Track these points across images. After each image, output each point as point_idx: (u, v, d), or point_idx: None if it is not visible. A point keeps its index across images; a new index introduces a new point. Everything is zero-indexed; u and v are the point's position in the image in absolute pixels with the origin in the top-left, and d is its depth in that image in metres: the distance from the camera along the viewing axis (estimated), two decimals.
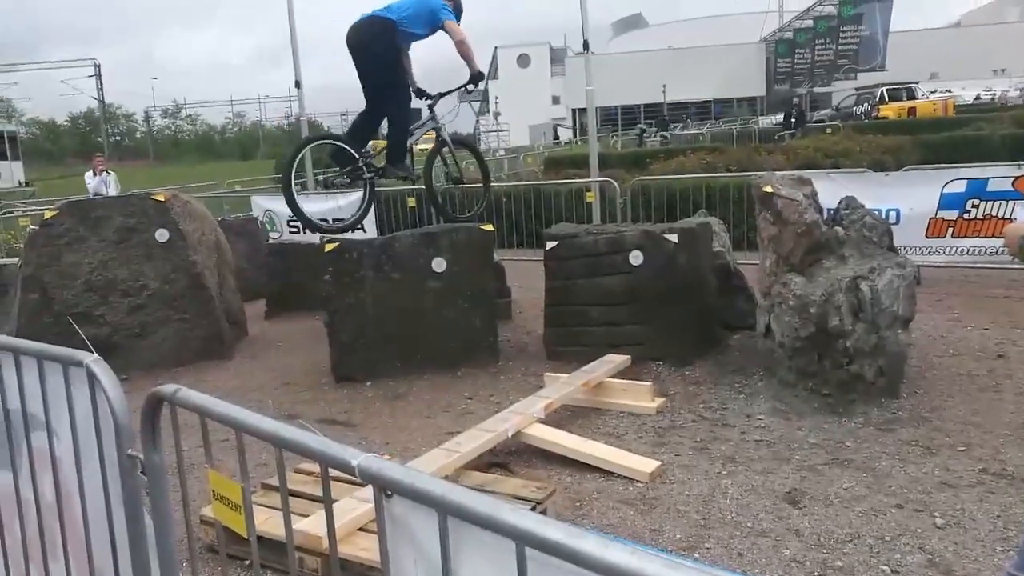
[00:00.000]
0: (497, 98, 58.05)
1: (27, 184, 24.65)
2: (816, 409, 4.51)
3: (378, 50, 5.68)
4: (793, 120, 22.11)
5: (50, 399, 2.07)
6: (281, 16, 11.80)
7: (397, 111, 6.07)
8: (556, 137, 50.17)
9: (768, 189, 4.71)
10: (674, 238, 5.44)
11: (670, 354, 5.50)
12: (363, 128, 6.23)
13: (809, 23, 45.99)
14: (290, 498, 2.42)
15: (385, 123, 6.31)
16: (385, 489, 1.12)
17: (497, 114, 55.29)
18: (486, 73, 6.24)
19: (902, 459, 3.84)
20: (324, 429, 4.91)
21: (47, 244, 6.48)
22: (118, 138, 73.41)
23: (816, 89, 47.30)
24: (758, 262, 7.44)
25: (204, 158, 63.30)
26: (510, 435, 4.03)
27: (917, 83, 31.38)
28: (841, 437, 4.18)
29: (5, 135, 24.67)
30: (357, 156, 6.07)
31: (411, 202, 11.12)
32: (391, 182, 8.93)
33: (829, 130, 21.05)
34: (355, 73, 5.88)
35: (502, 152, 32.63)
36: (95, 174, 13.40)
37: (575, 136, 47.06)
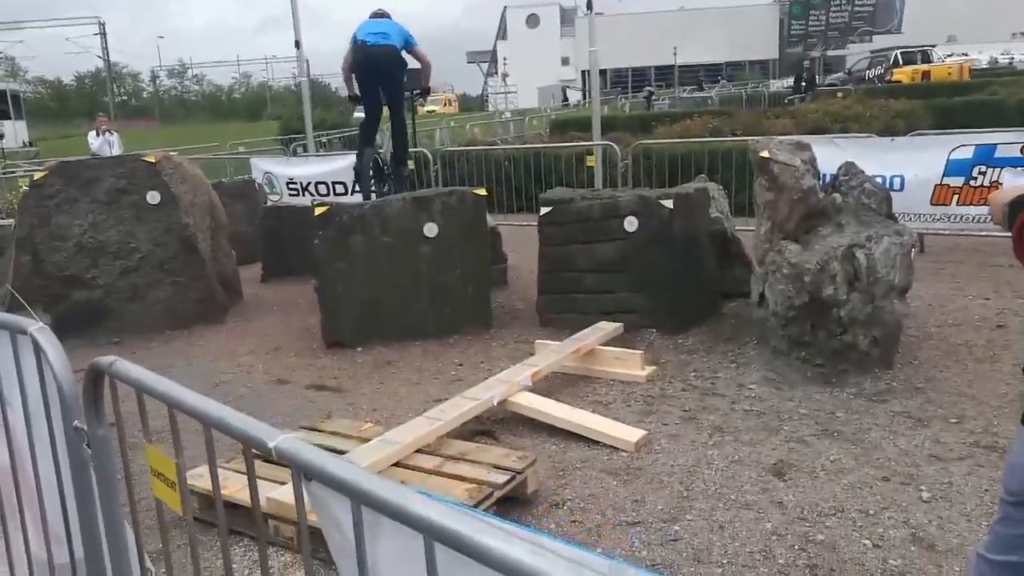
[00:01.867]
0: (505, 59, 57.34)
1: (31, 144, 24.54)
2: (808, 379, 4.45)
3: (397, 75, 6.84)
4: (804, 84, 21.70)
5: (1, 368, 2.02)
6: None
7: (402, 119, 7.39)
8: (565, 99, 49.60)
9: (764, 154, 4.59)
10: (670, 204, 5.33)
11: (663, 322, 5.42)
12: (374, 135, 7.36)
13: None
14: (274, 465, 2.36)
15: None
16: (303, 472, 1.06)
17: (505, 75, 54.64)
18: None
19: (892, 431, 3.78)
20: (313, 395, 4.89)
21: (38, 205, 6.42)
22: (124, 98, 72.99)
23: (829, 52, 46.51)
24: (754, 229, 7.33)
25: (211, 119, 62.98)
26: (495, 403, 3.99)
27: (933, 46, 30.73)
28: (832, 408, 4.12)
29: (8, 94, 24.50)
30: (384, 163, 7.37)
31: (410, 164, 10.97)
32: None
33: (840, 94, 20.67)
34: (363, 87, 6.89)
35: (508, 114, 32.27)
36: (98, 134, 13.29)
37: (584, 98, 46.50)
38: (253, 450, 1.13)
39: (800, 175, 4.48)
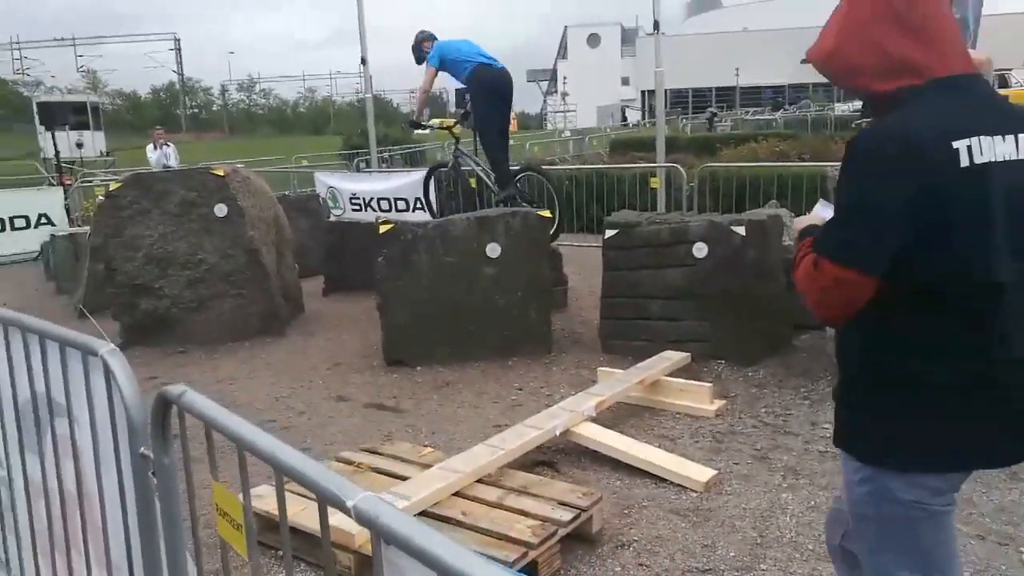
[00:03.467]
0: (565, 78, 57.46)
1: (108, 154, 25.47)
2: None
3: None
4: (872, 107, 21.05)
5: (71, 387, 1.99)
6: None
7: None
8: (624, 119, 49.43)
9: None
10: (742, 230, 5.15)
11: (733, 353, 5.23)
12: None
13: None
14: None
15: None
16: (383, 536, 0.96)
17: (565, 95, 54.73)
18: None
19: (986, 484, 3.52)
20: (372, 414, 4.84)
21: (112, 215, 6.57)
22: (195, 111, 75.58)
23: None
24: None
25: (277, 132, 64.68)
26: (558, 433, 3.86)
27: (1010, 70, 29.58)
28: None
29: (88, 105, 25.51)
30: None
31: (472, 182, 10.98)
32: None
33: None
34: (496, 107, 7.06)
35: (567, 133, 32.24)
36: (156, 147, 13.68)
37: (644, 118, 46.23)
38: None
39: None
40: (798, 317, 5.68)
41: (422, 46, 7.12)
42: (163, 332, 6.54)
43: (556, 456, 4.01)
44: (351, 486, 0.99)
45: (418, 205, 10.58)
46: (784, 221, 5.85)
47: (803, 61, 1.78)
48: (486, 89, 6.91)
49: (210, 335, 6.53)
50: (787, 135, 17.30)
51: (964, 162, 1.47)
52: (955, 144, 1.47)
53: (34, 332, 2.11)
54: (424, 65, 7.09)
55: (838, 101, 39.72)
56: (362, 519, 0.97)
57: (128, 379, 1.74)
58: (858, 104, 27.03)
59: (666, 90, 10.88)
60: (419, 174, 11.06)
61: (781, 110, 35.06)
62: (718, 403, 4.56)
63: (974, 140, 1.48)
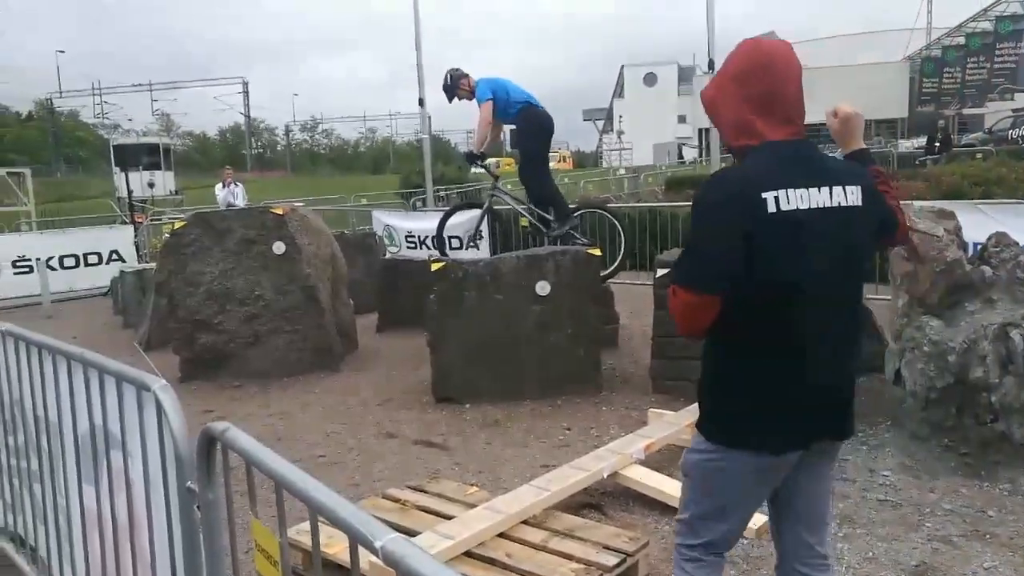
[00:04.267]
0: (621, 117, 57.63)
1: (177, 192, 26.52)
2: (952, 469, 4.03)
3: None
4: (937, 144, 20.49)
5: (126, 420, 2.06)
6: (410, 43, 12.06)
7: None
8: (680, 157, 49.21)
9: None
10: None
11: None
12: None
13: (960, 40, 43.05)
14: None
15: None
16: None
17: (621, 133, 54.85)
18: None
19: None
20: (420, 451, 4.86)
21: (176, 253, 6.82)
22: (260, 151, 78.19)
23: (965, 110, 44.15)
24: (889, 299, 6.87)
25: (337, 171, 66.40)
26: (605, 476, 3.81)
27: None
28: (982, 505, 3.70)
29: (160, 147, 26.67)
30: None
31: (523, 221, 11.05)
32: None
33: (980, 155, 19.43)
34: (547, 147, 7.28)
35: (623, 171, 32.27)
36: (224, 186, 14.13)
37: (700, 156, 45.96)
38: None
39: (944, 245, 4.15)
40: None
41: (459, 83, 7.06)
42: (220, 366, 6.71)
43: (603, 499, 3.96)
44: (380, 526, 1.00)
45: (471, 244, 10.71)
46: None
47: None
48: (538, 129, 6.98)
49: (265, 370, 6.68)
50: None
51: (771, 209, 1.82)
52: (763, 195, 1.82)
53: (94, 366, 2.20)
54: (475, 101, 7.03)
55: (900, 137, 38.88)
56: (389, 560, 0.98)
57: (177, 414, 1.80)
58: (922, 141, 26.41)
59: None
60: (472, 213, 11.22)
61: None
62: None
63: (781, 192, 1.83)
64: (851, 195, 1.91)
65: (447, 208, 8.54)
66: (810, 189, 1.86)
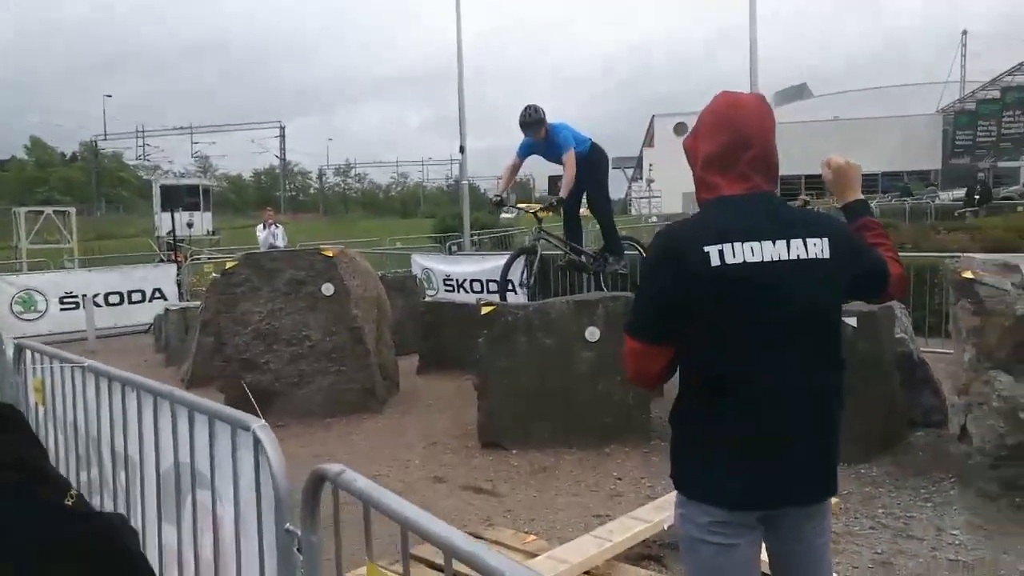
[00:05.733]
0: (651, 165, 57.96)
1: (214, 232, 26.99)
2: None
3: None
4: (977, 196, 20.29)
5: (217, 459, 2.06)
6: (450, 93, 12.33)
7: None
8: None
9: (969, 275, 4.22)
10: (853, 322, 4.98)
11: (844, 449, 4.95)
12: None
13: (996, 94, 42.90)
14: None
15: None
16: None
17: (651, 181, 55.10)
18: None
19: None
20: (469, 496, 4.81)
21: (225, 292, 6.91)
22: (293, 193, 79.54)
23: (1000, 163, 43.79)
24: (946, 351, 6.74)
25: (368, 214, 67.27)
26: (666, 527, 3.73)
27: None
28: None
29: (200, 188, 27.26)
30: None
31: (561, 261, 11.09)
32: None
33: (1021, 208, 19.16)
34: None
35: (655, 219, 32.31)
36: (265, 227, 14.34)
37: None
38: None
39: (1012, 299, 4.07)
40: (912, 414, 5.41)
41: (543, 120, 7.19)
42: (264, 405, 6.72)
43: (662, 550, 3.87)
44: (536, 574, 0.98)
45: (508, 288, 10.75)
46: (896, 313, 5.64)
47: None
48: (606, 165, 7.46)
49: (309, 410, 6.68)
50: (884, 224, 16.76)
51: (715, 262, 1.79)
52: (706, 248, 1.79)
53: (183, 404, 2.21)
54: (550, 141, 7.23)
55: (941, 189, 38.59)
56: None
57: (278, 456, 1.80)
58: (960, 192, 26.16)
59: None
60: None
61: (877, 198, 34.25)
62: (831, 501, 4.32)
63: (726, 246, 1.79)
64: (813, 247, 1.84)
65: (510, 254, 8.67)
66: (763, 242, 1.81)
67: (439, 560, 2.50)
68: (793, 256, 1.82)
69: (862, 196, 2.19)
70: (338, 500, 1.56)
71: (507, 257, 8.12)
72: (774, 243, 1.82)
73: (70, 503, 0.73)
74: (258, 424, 1.84)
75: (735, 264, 1.79)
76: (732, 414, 1.86)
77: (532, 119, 7.14)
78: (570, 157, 7.05)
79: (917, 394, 5.45)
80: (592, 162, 7.34)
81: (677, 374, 2.00)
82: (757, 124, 1.93)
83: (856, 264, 1.93)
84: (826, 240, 1.86)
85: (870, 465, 4.94)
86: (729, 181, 1.89)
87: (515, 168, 7.62)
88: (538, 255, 7.50)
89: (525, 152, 7.40)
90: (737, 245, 1.80)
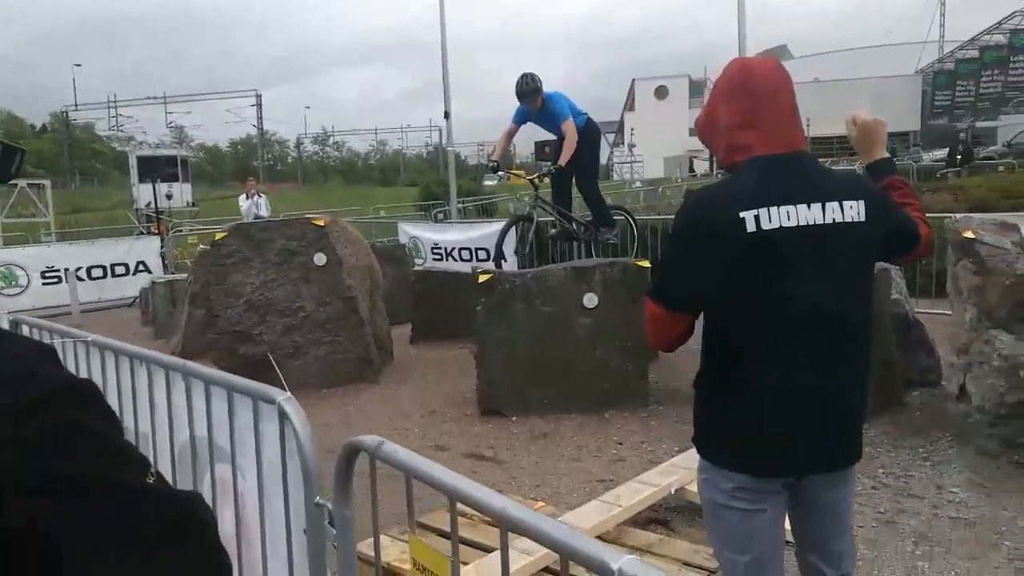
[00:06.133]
0: (633, 130, 57.73)
1: (193, 204, 26.59)
2: None
3: None
4: (959, 157, 20.40)
5: (237, 433, 2.02)
6: (427, 60, 12.11)
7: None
8: (691, 169, 49.22)
9: (969, 234, 4.23)
10: None
11: None
12: None
13: (974, 53, 42.99)
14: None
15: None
16: None
17: (632, 146, 54.93)
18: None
19: None
20: (472, 464, 4.81)
21: (215, 263, 6.80)
22: (271, 163, 78.51)
23: (979, 123, 44.08)
24: (937, 312, 6.79)
25: (347, 182, 66.61)
26: (673, 491, 3.76)
27: None
28: None
29: (179, 159, 26.78)
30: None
31: (552, 230, 11.04)
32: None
33: (1002, 168, 19.31)
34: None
35: (639, 184, 32.26)
36: (248, 197, 14.12)
37: (711, 169, 45.94)
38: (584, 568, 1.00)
39: (1012, 258, 4.09)
40: (908, 374, 5.47)
41: (539, 89, 7.14)
42: (259, 378, 6.64)
43: (668, 514, 3.89)
44: (612, 551, 0.96)
45: (502, 256, 10.70)
46: (892, 275, 5.66)
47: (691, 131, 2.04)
48: (597, 140, 7.42)
49: (304, 381, 6.62)
50: None
51: (751, 228, 1.75)
52: (742, 214, 1.75)
53: (199, 378, 2.16)
54: (546, 109, 7.19)
55: (922, 150, 38.76)
56: None
57: (305, 427, 1.76)
58: (940, 153, 26.31)
59: None
60: (499, 225, 11.20)
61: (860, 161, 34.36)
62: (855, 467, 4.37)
63: (763, 210, 1.75)
64: (849, 210, 1.80)
65: (506, 221, 8.63)
66: (798, 206, 1.77)
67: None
68: (829, 220, 1.78)
69: (887, 154, 2.16)
70: (375, 473, 1.53)
71: (503, 224, 8.06)
72: (809, 206, 1.77)
73: (152, 481, 0.69)
74: (283, 396, 1.80)
75: (771, 229, 1.75)
76: (757, 380, 1.84)
77: (529, 88, 7.06)
78: (570, 125, 7.02)
79: (913, 355, 5.50)
80: (588, 137, 7.30)
81: (701, 341, 1.99)
82: (781, 84, 1.91)
83: (888, 225, 1.90)
84: (862, 203, 1.82)
85: (868, 425, 4.92)
86: (761, 141, 1.85)
87: (511, 134, 7.58)
88: (534, 223, 7.44)
89: (520, 119, 7.35)
90: (775, 209, 1.75)
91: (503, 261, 9.27)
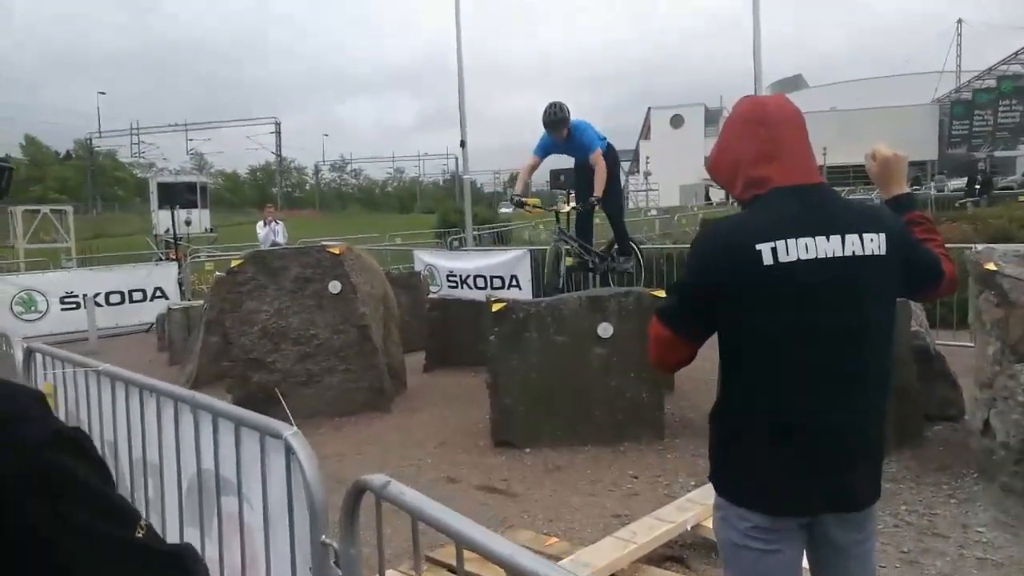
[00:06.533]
0: (648, 158, 57.92)
1: (211, 230, 26.85)
2: None
3: None
4: (978, 186, 20.24)
5: (244, 466, 1.99)
6: (443, 88, 12.26)
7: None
8: (707, 198, 49.22)
9: (991, 266, 4.16)
10: None
11: None
12: None
13: (991, 83, 42.90)
14: None
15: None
16: None
17: (648, 174, 55.09)
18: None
19: None
20: (484, 497, 4.74)
21: (231, 291, 6.82)
22: (289, 190, 79.32)
23: (997, 153, 43.83)
24: (957, 344, 6.68)
25: (365, 210, 67.14)
26: (689, 528, 3.68)
27: None
28: None
29: (198, 186, 27.10)
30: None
31: (569, 261, 11.01)
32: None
33: (1022, 198, 19.11)
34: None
35: (654, 212, 32.25)
36: (265, 223, 14.19)
37: (727, 198, 45.88)
38: None
39: None
40: (929, 407, 5.36)
41: (568, 118, 7.09)
42: (272, 405, 6.63)
43: (685, 551, 3.81)
44: None
45: (513, 283, 10.67)
46: (911, 306, 5.57)
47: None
48: (617, 165, 7.43)
49: (317, 409, 6.60)
50: None
51: (767, 261, 1.72)
52: (758, 246, 1.73)
53: (206, 410, 2.14)
54: (575, 139, 7.16)
55: (933, 179, 38.57)
56: None
57: (312, 465, 1.73)
58: (958, 183, 26.13)
59: None
60: (514, 253, 11.20)
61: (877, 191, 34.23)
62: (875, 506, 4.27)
63: (780, 243, 1.73)
64: (869, 243, 1.77)
65: (550, 256, 8.65)
66: (816, 238, 1.73)
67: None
68: (848, 252, 1.75)
69: (908, 189, 2.12)
70: (380, 515, 1.49)
71: (550, 256, 7.85)
72: (828, 239, 1.74)
73: (140, 535, 0.66)
74: (290, 431, 1.77)
75: (788, 262, 1.72)
76: (773, 416, 1.80)
77: (557, 118, 7.01)
78: (599, 156, 6.98)
79: (933, 387, 5.39)
80: (610, 161, 7.29)
81: (718, 375, 1.95)
82: (788, 116, 1.90)
83: (910, 259, 1.86)
84: (883, 235, 1.79)
85: (888, 460, 4.87)
86: (780, 172, 1.83)
87: (532, 168, 7.47)
88: (563, 256, 7.41)
89: (543, 152, 7.27)
90: (792, 241, 1.73)
91: (518, 289, 9.26)
